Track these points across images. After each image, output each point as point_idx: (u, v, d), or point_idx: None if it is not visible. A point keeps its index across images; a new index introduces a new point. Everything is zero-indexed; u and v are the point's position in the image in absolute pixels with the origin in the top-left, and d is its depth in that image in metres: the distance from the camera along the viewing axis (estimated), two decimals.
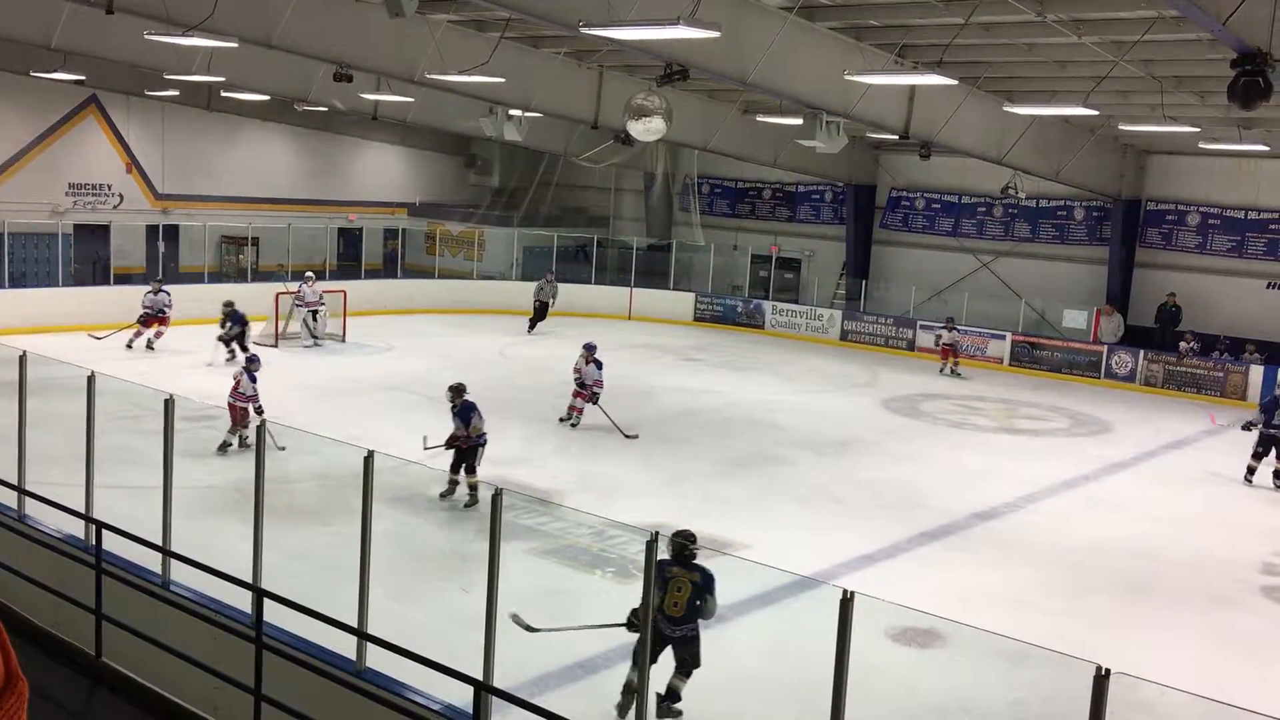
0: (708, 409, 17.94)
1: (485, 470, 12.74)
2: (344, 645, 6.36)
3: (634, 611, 6.88)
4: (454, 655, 5.85)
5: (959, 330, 23.50)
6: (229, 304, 19.50)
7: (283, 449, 11.45)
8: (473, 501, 11.79)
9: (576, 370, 16.29)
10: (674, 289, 28.78)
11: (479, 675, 5.68)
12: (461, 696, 5.64)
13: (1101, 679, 4.11)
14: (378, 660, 6.27)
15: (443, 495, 12.00)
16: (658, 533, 5.43)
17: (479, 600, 5.96)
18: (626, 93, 15.65)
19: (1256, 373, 21.05)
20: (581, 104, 20.91)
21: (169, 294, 20.39)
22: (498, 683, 5.77)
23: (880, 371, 22.66)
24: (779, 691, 7.75)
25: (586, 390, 16.03)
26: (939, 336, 23.52)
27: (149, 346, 20.04)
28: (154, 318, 20.26)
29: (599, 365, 16.04)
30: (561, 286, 27.34)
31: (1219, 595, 10.57)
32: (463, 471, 12.00)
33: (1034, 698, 7.77)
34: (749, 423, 17.07)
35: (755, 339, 26.34)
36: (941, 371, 22.79)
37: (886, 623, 8.61)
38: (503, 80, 18.32)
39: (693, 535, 7.64)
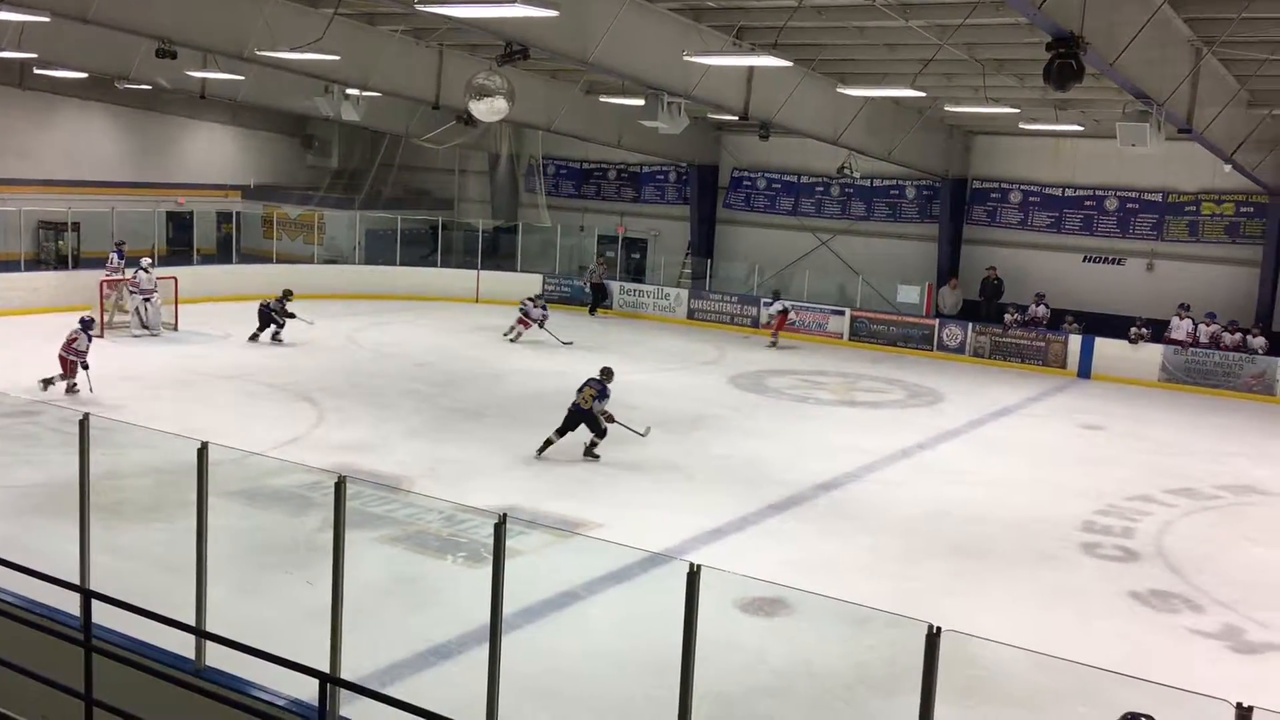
0: (558, 390, 17.87)
1: (330, 458, 12.48)
2: (183, 645, 6.14)
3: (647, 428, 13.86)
4: (300, 649, 5.70)
5: (785, 304, 24.38)
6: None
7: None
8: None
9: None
10: (521, 271, 28.64)
11: (326, 668, 5.56)
12: (308, 691, 5.52)
13: (933, 637, 4.30)
14: (219, 658, 6.07)
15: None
16: (506, 515, 5.41)
17: (325, 592, 5.84)
18: (468, 72, 15.43)
19: (1075, 342, 22.31)
20: (421, 83, 20.54)
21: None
22: (346, 674, 5.67)
23: (727, 349, 23.08)
24: (632, 666, 7.85)
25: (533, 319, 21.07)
26: (770, 310, 24.44)
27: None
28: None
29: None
30: (406, 270, 27.03)
31: (1045, 554, 11.19)
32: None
33: (875, 659, 8.07)
34: None
35: (603, 319, 26.46)
36: (773, 344, 23.65)
37: (735, 594, 8.80)
38: (338, 58, 17.86)
39: (610, 372, 13.98)
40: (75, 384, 15.39)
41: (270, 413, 15.31)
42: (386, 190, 32.09)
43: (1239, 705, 3.82)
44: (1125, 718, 4.51)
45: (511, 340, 21.91)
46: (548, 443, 13.57)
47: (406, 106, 25.41)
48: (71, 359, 15.16)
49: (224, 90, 23.88)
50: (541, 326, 21.91)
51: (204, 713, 5.88)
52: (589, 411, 13.59)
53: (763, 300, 25.24)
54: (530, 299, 22.68)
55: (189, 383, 16.92)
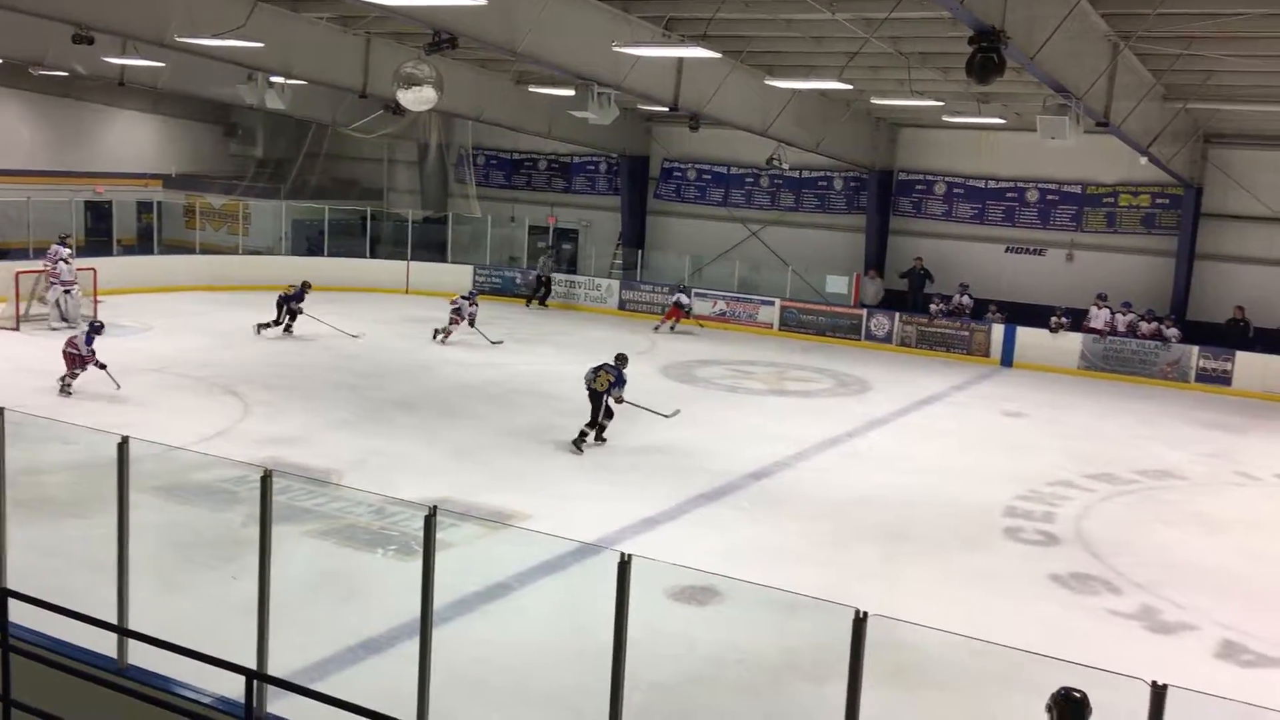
0: (489, 382, 17.87)
1: (256, 451, 12.30)
2: (105, 643, 6.03)
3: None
4: (227, 646, 5.63)
5: (685, 294, 24.96)
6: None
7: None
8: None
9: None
10: (452, 262, 28.40)
11: (253, 664, 5.50)
12: (235, 688, 5.45)
13: (860, 621, 4.38)
14: (143, 657, 5.97)
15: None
16: (436, 507, 5.39)
17: (252, 588, 5.77)
18: (395, 61, 15.25)
19: (998, 331, 22.77)
20: (348, 72, 20.23)
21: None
22: (274, 670, 5.61)
23: (658, 340, 23.15)
24: (564, 656, 7.87)
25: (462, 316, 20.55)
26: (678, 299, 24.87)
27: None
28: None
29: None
30: (335, 261, 26.66)
31: (969, 539, 11.42)
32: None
33: (804, 645, 8.18)
34: (530, 394, 17.12)
35: (535, 310, 26.39)
36: (669, 329, 24.13)
37: (667, 583, 8.86)
38: (261, 45, 17.53)
39: (625, 358, 14.30)
40: (68, 383, 15.29)
41: (193, 406, 15.03)
42: (313, 180, 31.60)
43: (1154, 683, 3.96)
44: (1059, 693, 4.64)
45: (441, 342, 20.82)
46: (585, 434, 13.92)
47: (333, 95, 25.02)
48: (71, 352, 15.31)
49: (144, 77, 23.31)
50: (472, 325, 21.18)
51: (127, 712, 5.78)
52: (603, 395, 13.88)
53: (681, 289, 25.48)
54: (464, 296, 21.93)
55: (105, 377, 16.51)
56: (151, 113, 31.45)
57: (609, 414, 14.05)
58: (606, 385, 13.90)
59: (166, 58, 20.82)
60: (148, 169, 31.78)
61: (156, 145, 32.19)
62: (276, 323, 20.73)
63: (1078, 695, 4.58)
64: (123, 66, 22.03)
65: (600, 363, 14.32)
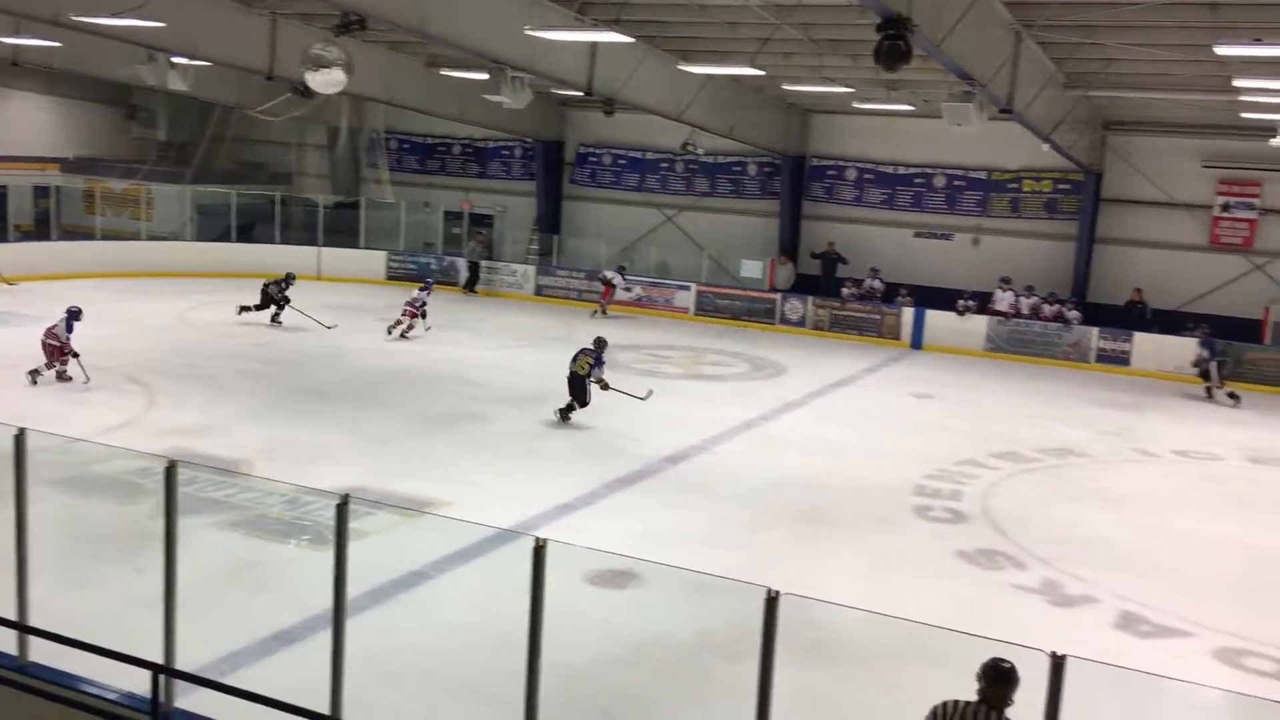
0: (404, 368, 17.67)
1: (162, 442, 12.00)
2: (3, 640, 5.85)
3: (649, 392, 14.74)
4: (135, 640, 5.51)
5: (620, 274, 25.01)
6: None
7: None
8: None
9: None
10: (365, 247, 27.99)
11: (160, 659, 5.39)
12: (142, 683, 5.34)
13: (772, 601, 4.46)
14: (45, 653, 5.80)
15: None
16: (349, 495, 5.33)
17: (159, 581, 5.64)
18: (303, 42, 14.94)
19: (908, 314, 23.22)
20: (254, 53, 19.76)
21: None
22: (183, 665, 5.51)
23: (575, 325, 23.10)
24: (481, 642, 7.84)
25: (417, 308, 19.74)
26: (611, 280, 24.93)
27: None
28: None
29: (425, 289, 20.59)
30: (243, 247, 26.09)
31: (881, 518, 11.65)
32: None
33: (721, 626, 8.28)
34: (447, 380, 16.98)
35: (450, 296, 26.12)
36: (602, 313, 24.22)
37: (585, 568, 8.87)
38: (163, 25, 17.04)
39: (603, 341, 14.95)
40: (65, 371, 15.01)
41: (95, 397, 14.60)
42: (219, 164, 30.85)
43: (1053, 654, 4.09)
44: (988, 664, 4.78)
45: (403, 336, 19.84)
46: (570, 409, 14.52)
47: (239, 76, 24.43)
48: (50, 343, 14.88)
49: (38, 58, 22.48)
50: (423, 317, 20.19)
51: (30, 710, 5.62)
52: (584, 379, 14.37)
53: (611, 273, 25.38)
54: (420, 288, 20.95)
55: (4, 366, 15.96)
56: (47, 94, 30.37)
57: (585, 402, 14.55)
58: (587, 368, 14.47)
59: (63, 37, 20.11)
60: (44, 152, 30.68)
61: (53, 128, 31.10)
62: (260, 307, 20.50)
63: (1005, 666, 4.72)
64: (15, 46, 21.24)
65: (580, 348, 14.94)
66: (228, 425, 13.55)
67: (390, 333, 19.99)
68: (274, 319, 20.58)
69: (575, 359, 14.66)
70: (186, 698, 5.62)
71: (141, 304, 21.38)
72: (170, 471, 5.50)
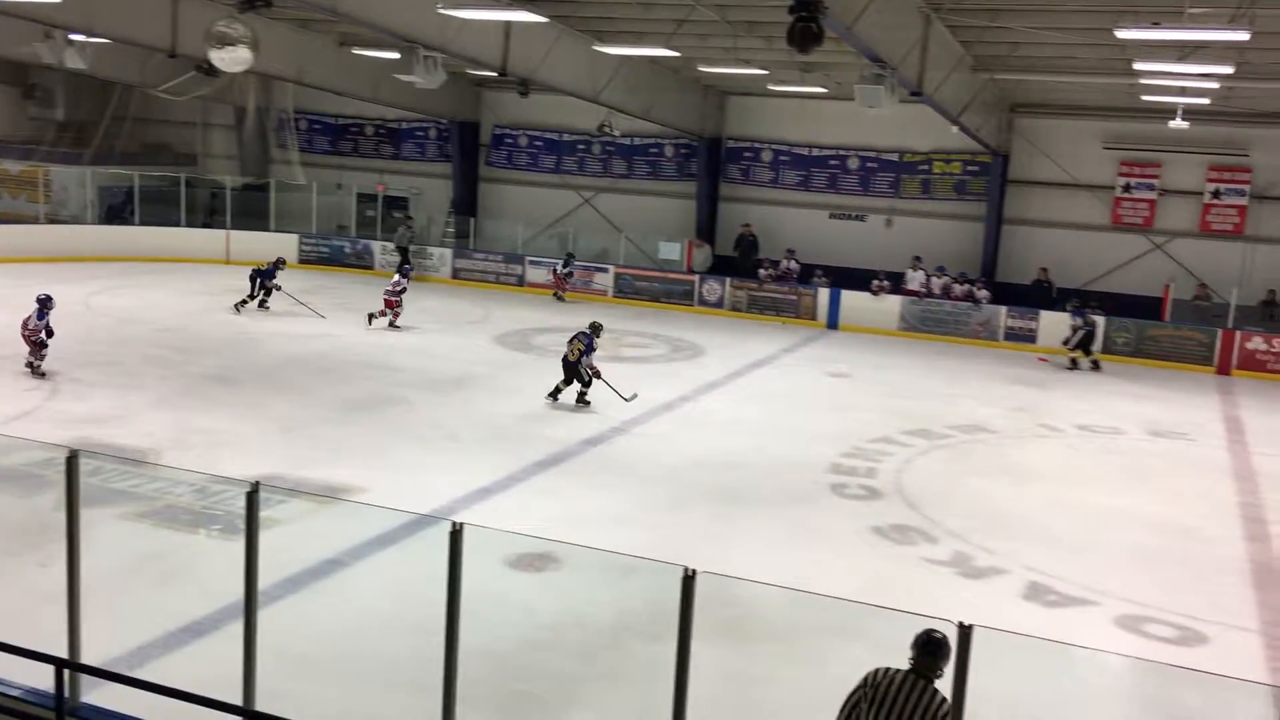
0: (319, 354, 17.39)
1: (66, 432, 11.65)
2: None
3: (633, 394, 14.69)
4: (40, 635, 5.35)
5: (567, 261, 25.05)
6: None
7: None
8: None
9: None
10: (275, 230, 27.41)
11: (64, 653, 5.24)
12: (46, 679, 5.19)
13: (689, 580, 4.49)
14: None
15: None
16: (259, 483, 5.23)
17: (62, 573, 5.48)
18: (206, 19, 14.52)
19: (824, 295, 23.52)
20: (154, 30, 19.16)
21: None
22: (90, 659, 5.37)
23: (493, 308, 22.98)
24: (399, 628, 7.77)
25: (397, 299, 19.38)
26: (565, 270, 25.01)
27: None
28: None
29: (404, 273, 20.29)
30: (147, 230, 25.40)
31: (797, 495, 11.80)
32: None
33: (640, 606, 8.32)
34: (363, 365, 16.75)
35: (366, 280, 25.73)
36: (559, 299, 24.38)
37: (505, 551, 8.84)
38: (59, 1, 16.44)
39: (598, 326, 14.98)
40: (38, 366, 14.82)
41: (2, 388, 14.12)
42: (120, 144, 29.91)
43: (960, 624, 4.20)
44: (921, 635, 4.86)
45: (393, 325, 19.60)
46: (557, 390, 14.76)
47: (140, 54, 23.69)
48: (32, 338, 14.71)
49: None
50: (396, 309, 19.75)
51: None
52: (576, 364, 14.44)
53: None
54: (401, 274, 20.42)
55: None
56: None
57: (587, 381, 14.65)
58: (578, 354, 14.57)
59: None
60: None
61: None
62: (251, 297, 20.41)
63: (938, 636, 4.82)
64: None
65: (575, 331, 15.03)
66: (134, 414, 13.20)
67: (371, 323, 19.62)
68: (262, 304, 20.59)
69: (570, 342, 14.82)
70: (94, 692, 5.48)
71: (42, 289, 20.61)
72: (71, 461, 5.35)
